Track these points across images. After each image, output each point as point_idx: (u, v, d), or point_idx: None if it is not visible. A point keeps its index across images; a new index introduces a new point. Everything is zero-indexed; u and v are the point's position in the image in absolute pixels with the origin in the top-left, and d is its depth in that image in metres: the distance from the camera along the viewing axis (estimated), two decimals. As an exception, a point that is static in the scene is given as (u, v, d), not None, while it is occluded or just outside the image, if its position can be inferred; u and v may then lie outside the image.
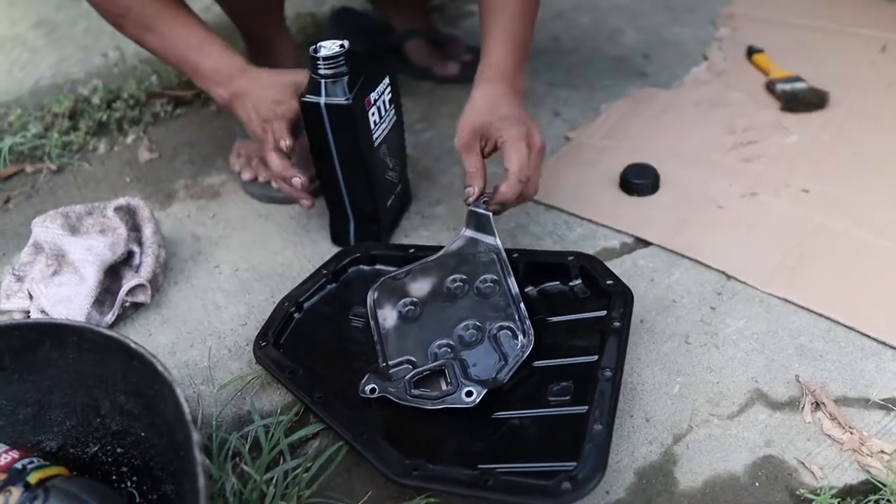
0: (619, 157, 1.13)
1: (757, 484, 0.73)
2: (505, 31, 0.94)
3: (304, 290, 0.89)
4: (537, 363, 0.80)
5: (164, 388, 0.64)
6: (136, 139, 1.30)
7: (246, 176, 1.13)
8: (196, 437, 0.58)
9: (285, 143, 0.92)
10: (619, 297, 0.82)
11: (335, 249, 0.97)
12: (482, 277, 0.86)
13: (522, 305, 0.82)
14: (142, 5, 0.93)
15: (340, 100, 0.87)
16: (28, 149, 1.27)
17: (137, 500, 0.72)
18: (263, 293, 0.95)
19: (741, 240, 0.98)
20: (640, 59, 1.43)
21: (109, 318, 0.89)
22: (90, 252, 0.90)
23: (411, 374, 0.78)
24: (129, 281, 0.90)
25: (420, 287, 0.87)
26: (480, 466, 0.68)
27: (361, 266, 0.94)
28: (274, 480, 0.71)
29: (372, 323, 0.84)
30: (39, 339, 0.70)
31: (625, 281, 0.85)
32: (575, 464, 0.66)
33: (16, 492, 0.64)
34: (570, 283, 0.87)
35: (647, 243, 0.99)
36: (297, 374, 0.80)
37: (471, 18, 1.60)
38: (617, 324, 0.79)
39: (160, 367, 0.64)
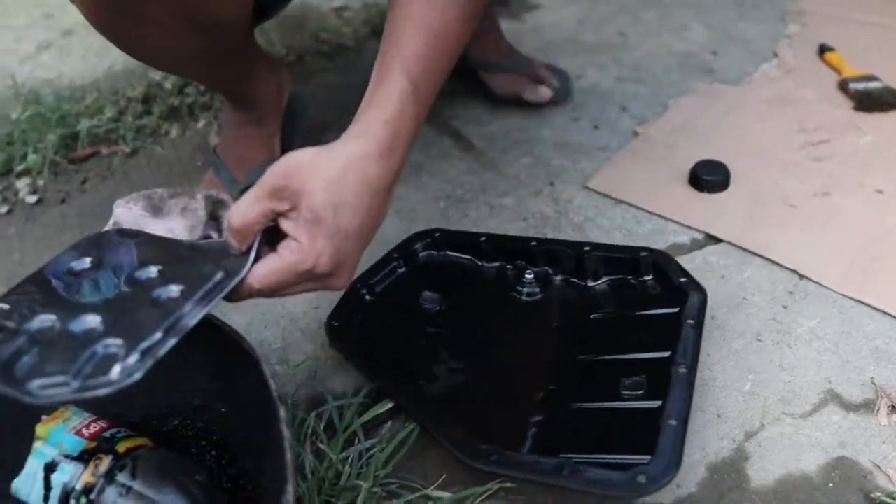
0: (687, 153, 1.12)
1: (830, 485, 0.72)
2: (406, 75, 0.66)
3: (375, 272, 0.90)
4: (609, 357, 0.80)
5: (249, 365, 0.66)
6: (206, 124, 1.33)
7: None
8: (283, 413, 0.60)
9: None
10: (693, 295, 0.82)
11: (404, 236, 0.97)
12: (173, 286, 0.61)
13: (171, 342, 0.56)
14: None
15: None
16: (104, 131, 1.31)
17: (216, 472, 0.74)
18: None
19: (813, 239, 0.97)
20: (707, 55, 1.42)
21: (186, 297, 0.91)
22: (171, 233, 0.91)
23: None
24: (207, 262, 0.92)
25: (121, 254, 0.68)
26: (554, 455, 0.69)
27: (431, 251, 0.95)
28: (349, 460, 0.72)
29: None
30: (126, 314, 0.72)
31: (696, 277, 0.85)
32: (650, 457, 0.66)
33: (105, 459, 0.67)
34: (642, 279, 0.87)
35: (717, 240, 0.99)
36: (369, 355, 0.81)
37: (537, 11, 1.59)
38: (691, 321, 0.79)
39: (245, 346, 0.66)
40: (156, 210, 0.97)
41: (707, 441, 0.76)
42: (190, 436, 0.76)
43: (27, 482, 0.67)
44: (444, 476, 0.73)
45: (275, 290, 0.64)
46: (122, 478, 0.65)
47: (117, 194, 1.12)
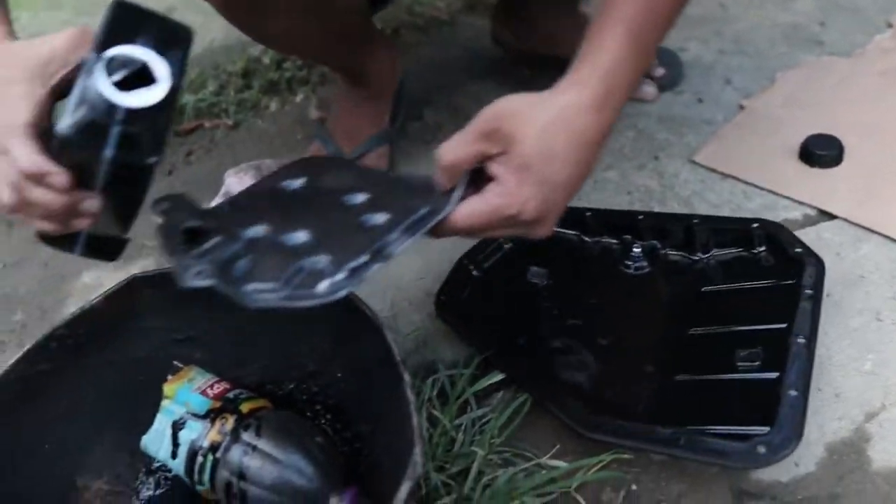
0: (796, 127, 1.08)
1: (961, 470, 0.69)
2: (625, 29, 0.64)
3: (482, 248, 0.91)
4: (722, 329, 0.78)
5: (369, 331, 0.67)
6: (304, 98, 1.35)
7: None
8: (407, 378, 0.61)
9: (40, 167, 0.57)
10: (810, 265, 0.80)
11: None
12: (379, 214, 0.64)
13: (375, 266, 0.58)
14: None
15: None
16: (206, 105, 1.35)
17: (331, 436, 0.76)
18: (440, 249, 0.96)
19: (936, 216, 0.93)
20: (814, 26, 1.36)
21: (295, 266, 0.94)
22: (280, 202, 0.94)
23: (190, 218, 0.63)
24: (315, 231, 0.94)
25: (332, 177, 0.72)
26: (667, 426, 0.68)
27: None
28: (462, 427, 0.73)
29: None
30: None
31: (810, 251, 0.83)
32: (769, 429, 0.65)
33: (230, 419, 0.69)
34: (754, 251, 0.85)
35: (831, 216, 0.95)
36: (477, 329, 0.82)
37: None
38: (809, 291, 0.77)
39: (369, 313, 0.67)
40: (265, 180, 0.99)
41: (825, 420, 0.74)
42: (304, 399, 0.78)
43: (156, 439, 0.71)
44: (557, 446, 0.73)
45: (477, 231, 0.64)
46: (246, 437, 0.67)
47: (221, 166, 1.16)
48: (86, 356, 0.73)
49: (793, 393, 0.67)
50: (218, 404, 0.70)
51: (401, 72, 1.16)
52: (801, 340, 0.72)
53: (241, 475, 0.66)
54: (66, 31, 0.60)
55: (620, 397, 0.74)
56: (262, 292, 0.57)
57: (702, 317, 0.81)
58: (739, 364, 0.73)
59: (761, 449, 0.63)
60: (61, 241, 0.66)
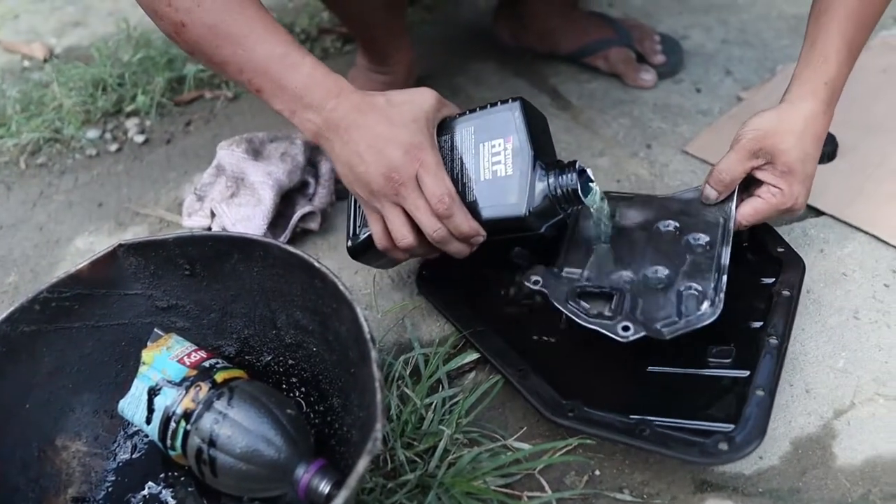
0: (793, 122, 1.08)
1: (923, 469, 0.70)
2: (840, 37, 0.78)
3: None
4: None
5: (343, 306, 0.68)
6: (306, 73, 1.35)
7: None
8: (374, 354, 0.62)
9: (479, 232, 0.74)
10: (791, 266, 0.80)
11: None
12: (697, 235, 0.80)
13: (725, 278, 0.74)
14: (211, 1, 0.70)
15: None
16: (207, 76, 1.35)
17: (304, 409, 0.77)
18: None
19: (924, 218, 0.93)
20: (821, 19, 1.35)
21: (282, 239, 0.95)
22: (269, 176, 0.95)
23: (579, 284, 0.77)
24: (303, 207, 0.95)
25: (631, 215, 0.84)
26: (633, 416, 0.69)
27: None
28: (433, 406, 0.74)
29: (569, 223, 0.84)
30: (229, 251, 0.75)
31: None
32: (733, 426, 0.66)
33: (204, 387, 0.70)
34: (738, 248, 0.85)
35: (818, 212, 0.95)
36: (457, 306, 0.82)
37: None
38: (787, 293, 0.77)
39: (342, 287, 0.67)
40: (256, 153, 1.00)
41: (793, 416, 0.75)
42: (281, 371, 0.79)
43: (132, 403, 0.72)
44: (524, 428, 0.74)
45: (757, 222, 0.81)
46: (219, 405, 0.68)
47: (219, 137, 1.17)
48: (69, 320, 0.74)
49: (760, 393, 0.68)
50: (193, 373, 0.71)
51: (416, 75, 1.21)
52: (773, 341, 0.72)
53: (212, 442, 0.67)
54: (423, 91, 0.76)
55: (591, 384, 0.74)
56: (669, 325, 0.71)
57: None
58: (711, 360, 0.74)
59: (723, 446, 0.64)
60: (382, 261, 0.83)
